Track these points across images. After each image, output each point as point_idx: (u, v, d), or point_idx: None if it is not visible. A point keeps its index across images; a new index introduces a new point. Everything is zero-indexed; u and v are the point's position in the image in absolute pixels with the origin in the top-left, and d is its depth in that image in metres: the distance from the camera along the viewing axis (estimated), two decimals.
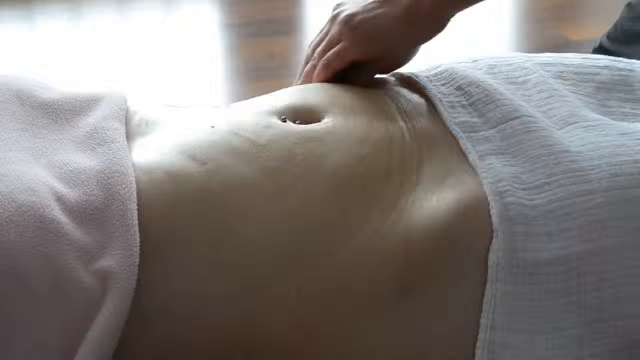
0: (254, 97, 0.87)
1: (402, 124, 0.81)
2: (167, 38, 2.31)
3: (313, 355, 0.70)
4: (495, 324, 0.70)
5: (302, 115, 0.80)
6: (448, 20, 0.88)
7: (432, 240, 0.71)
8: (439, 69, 0.88)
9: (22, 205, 0.65)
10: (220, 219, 0.70)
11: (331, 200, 0.72)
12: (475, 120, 0.81)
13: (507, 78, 0.86)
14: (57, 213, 0.66)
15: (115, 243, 0.66)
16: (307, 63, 0.93)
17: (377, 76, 0.91)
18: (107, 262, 0.66)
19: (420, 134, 0.80)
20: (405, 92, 0.87)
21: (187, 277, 0.68)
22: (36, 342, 0.64)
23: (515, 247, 0.71)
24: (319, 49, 0.91)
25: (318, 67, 0.90)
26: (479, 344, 0.70)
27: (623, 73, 0.88)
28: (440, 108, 0.82)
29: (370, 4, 0.88)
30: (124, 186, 0.69)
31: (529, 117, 0.79)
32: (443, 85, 0.85)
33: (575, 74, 0.87)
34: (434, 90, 0.85)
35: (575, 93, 0.84)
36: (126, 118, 0.78)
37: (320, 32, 0.93)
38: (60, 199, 0.67)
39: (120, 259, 0.66)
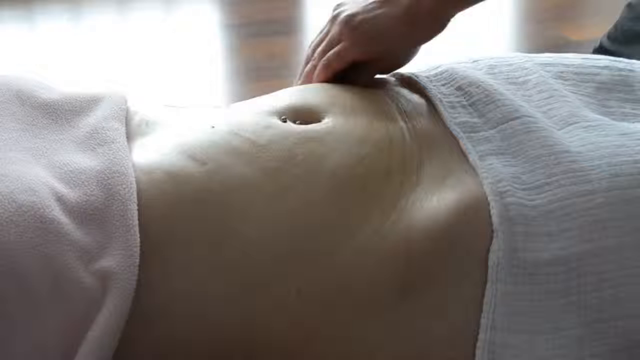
0: (254, 97, 0.87)
1: (402, 124, 0.81)
2: (167, 38, 2.31)
3: (313, 355, 0.70)
4: (495, 324, 0.70)
5: (302, 115, 0.80)
6: (448, 20, 0.88)
7: (432, 240, 0.71)
8: (439, 69, 0.88)
9: (22, 205, 0.65)
10: (220, 219, 0.70)
11: (331, 200, 0.72)
12: (475, 120, 0.81)
13: (507, 78, 0.86)
14: (57, 213, 0.66)
15: (115, 243, 0.66)
16: (307, 63, 0.93)
17: (377, 76, 0.91)
18: (107, 262, 0.66)
19: (420, 134, 0.80)
20: (405, 92, 0.87)
21: (187, 277, 0.68)
22: (36, 342, 0.64)
23: (515, 247, 0.71)
24: (319, 49, 0.91)
25: (318, 67, 0.90)
26: (479, 344, 0.70)
27: (623, 73, 0.88)
28: (440, 108, 0.82)
29: (370, 4, 0.88)
30: (124, 186, 0.69)
31: (529, 117, 0.79)
32: (443, 85, 0.85)
33: (575, 74, 0.87)
34: (434, 90, 0.85)
35: (575, 93, 0.84)
36: (126, 118, 0.78)
37: (320, 32, 0.93)
38: (60, 199, 0.67)
39: (120, 259, 0.66)
